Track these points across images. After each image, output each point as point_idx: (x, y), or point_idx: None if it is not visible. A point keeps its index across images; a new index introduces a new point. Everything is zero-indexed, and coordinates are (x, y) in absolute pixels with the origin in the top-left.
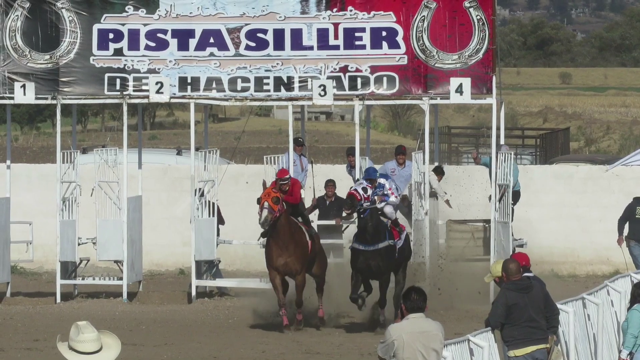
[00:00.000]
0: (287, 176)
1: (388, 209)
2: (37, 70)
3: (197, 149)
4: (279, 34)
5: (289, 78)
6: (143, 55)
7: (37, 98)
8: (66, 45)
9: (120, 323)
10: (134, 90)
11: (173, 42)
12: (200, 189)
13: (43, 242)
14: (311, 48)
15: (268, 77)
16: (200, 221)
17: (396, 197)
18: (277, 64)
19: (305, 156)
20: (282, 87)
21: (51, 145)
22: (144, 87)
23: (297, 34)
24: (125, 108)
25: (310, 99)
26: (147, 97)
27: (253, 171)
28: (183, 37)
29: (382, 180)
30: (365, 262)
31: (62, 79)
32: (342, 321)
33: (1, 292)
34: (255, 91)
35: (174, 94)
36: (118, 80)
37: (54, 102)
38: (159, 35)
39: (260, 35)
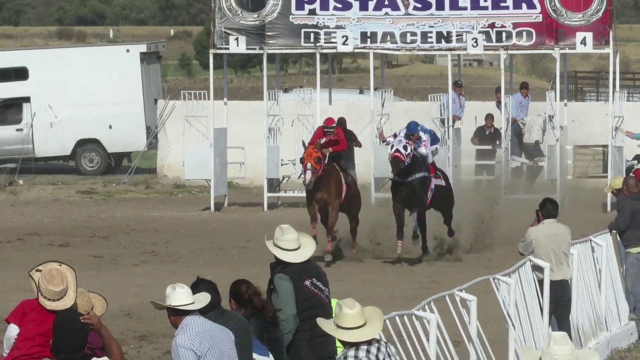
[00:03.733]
0: (333, 124)
1: (421, 151)
2: (247, 26)
3: (375, 89)
4: None
5: (448, 32)
6: (332, 15)
7: (247, 48)
8: (270, 7)
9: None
10: (324, 42)
11: (356, 4)
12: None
13: (253, 163)
14: (465, 8)
15: (431, 32)
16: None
17: (427, 147)
18: (438, 21)
19: (463, 95)
20: (442, 40)
21: (259, 86)
22: (332, 40)
23: None
24: (318, 57)
25: (465, 49)
26: (335, 47)
27: (420, 107)
28: (364, 0)
29: (421, 134)
30: (402, 193)
31: (267, 33)
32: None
33: (220, 203)
34: (421, 43)
35: (357, 45)
36: (312, 35)
37: (261, 52)
38: None
39: None
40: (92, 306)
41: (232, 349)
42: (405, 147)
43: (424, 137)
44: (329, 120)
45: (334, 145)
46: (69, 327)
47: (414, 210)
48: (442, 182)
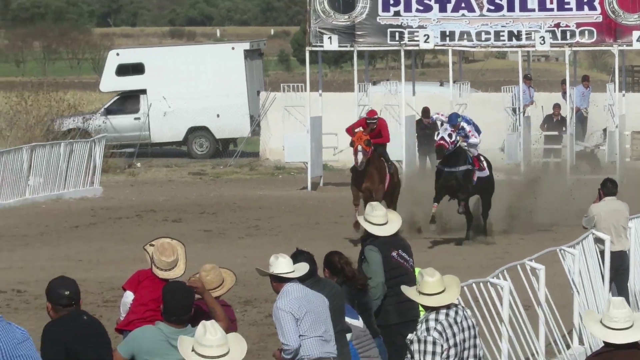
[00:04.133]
0: (376, 116)
1: (472, 149)
2: (338, 26)
3: (454, 82)
4: (510, 1)
5: (518, 31)
6: (414, 16)
7: (339, 46)
8: (359, 9)
9: None
10: (408, 41)
11: (436, 7)
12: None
13: (345, 148)
14: (533, 10)
15: (503, 31)
16: None
17: (475, 137)
18: (510, 21)
19: (532, 87)
20: (513, 38)
21: (350, 80)
22: (415, 38)
23: (524, 1)
24: (402, 53)
25: (534, 46)
26: (418, 45)
27: (494, 98)
28: (443, 2)
29: (463, 124)
30: (445, 181)
31: (357, 32)
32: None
33: (316, 183)
34: (494, 41)
35: (437, 43)
36: (397, 34)
37: (352, 49)
38: (426, 1)
39: (498, 1)
40: (223, 280)
41: (327, 313)
42: (450, 135)
43: (467, 127)
44: (372, 112)
45: (377, 137)
46: (176, 292)
47: (458, 199)
48: (486, 173)
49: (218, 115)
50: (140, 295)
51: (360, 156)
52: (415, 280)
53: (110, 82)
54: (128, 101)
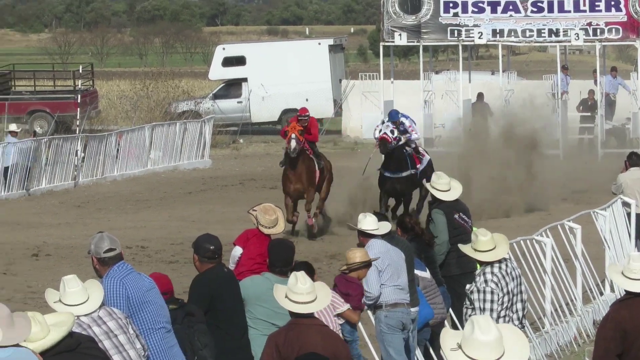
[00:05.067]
0: (307, 114)
1: (413, 137)
2: (407, 25)
3: (503, 71)
4: (550, 4)
5: (557, 29)
6: (470, 16)
7: (407, 42)
8: (424, 11)
9: None
10: (465, 37)
11: (487, 9)
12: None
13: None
14: (569, 11)
15: (544, 29)
16: None
17: (415, 132)
18: (549, 20)
19: (568, 75)
20: (552, 34)
21: (417, 69)
22: (470, 35)
23: (561, 4)
24: (460, 47)
25: (570, 41)
26: (473, 41)
27: (536, 84)
28: (494, 5)
29: (403, 119)
30: (391, 186)
31: (422, 30)
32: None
33: None
34: (536, 37)
35: (489, 39)
36: (456, 31)
37: (418, 44)
38: (479, 4)
39: (539, 4)
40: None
41: (403, 266)
42: (392, 131)
43: (407, 122)
44: (303, 110)
45: (307, 134)
46: (280, 247)
47: (402, 203)
48: (427, 158)
49: (307, 99)
50: (249, 250)
51: (293, 143)
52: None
53: (218, 72)
54: (232, 88)
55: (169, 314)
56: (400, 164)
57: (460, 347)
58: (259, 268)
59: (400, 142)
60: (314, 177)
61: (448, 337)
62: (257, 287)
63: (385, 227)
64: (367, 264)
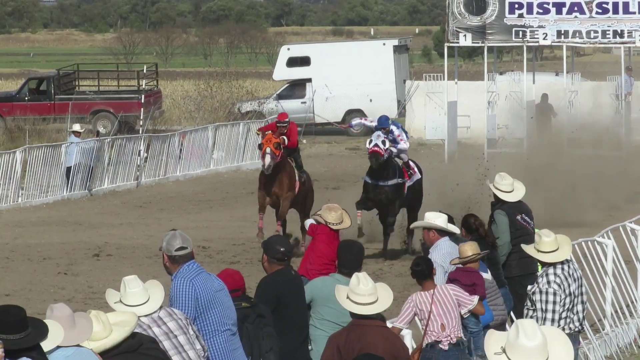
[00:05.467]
0: (287, 119)
1: (402, 155)
2: (472, 26)
3: (567, 72)
4: (615, 5)
5: (621, 30)
6: (535, 17)
7: (472, 42)
8: (489, 12)
9: None
10: (529, 38)
11: (552, 10)
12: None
13: (476, 127)
14: (634, 13)
15: (609, 30)
16: None
17: (404, 141)
18: (614, 22)
19: (632, 77)
20: (617, 36)
21: (481, 70)
22: (535, 36)
23: (626, 5)
24: (524, 48)
25: (634, 42)
26: (537, 42)
27: (600, 86)
28: (559, 6)
29: (393, 127)
30: (374, 195)
31: (487, 31)
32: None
33: (452, 157)
34: (601, 38)
35: (554, 40)
36: (520, 32)
37: (483, 45)
38: (545, 5)
39: (604, 5)
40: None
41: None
42: (383, 142)
43: (397, 131)
44: (282, 115)
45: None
46: (350, 249)
47: (387, 223)
48: (418, 176)
49: (371, 100)
50: (318, 248)
51: (267, 159)
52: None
53: (282, 72)
54: (296, 88)
55: (240, 312)
56: (386, 172)
57: (504, 351)
58: (327, 268)
59: (394, 153)
60: (294, 184)
61: (492, 340)
62: (327, 288)
63: (454, 227)
64: (479, 257)
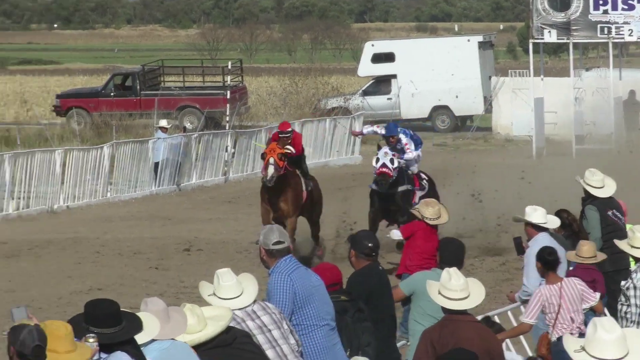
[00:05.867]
0: (289, 129)
1: (412, 167)
2: (556, 22)
3: None
4: None
5: None
6: (620, 13)
7: (557, 39)
8: (574, 8)
9: None
10: (615, 34)
11: (638, 6)
12: None
13: (564, 124)
14: None
15: None
16: None
17: (411, 152)
18: None
19: None
20: None
21: (567, 67)
22: (620, 32)
23: None
24: (610, 45)
25: None
26: (623, 38)
27: None
28: None
29: (401, 136)
30: (382, 205)
31: (572, 27)
32: None
33: (540, 153)
34: None
35: (639, 37)
36: (605, 28)
37: (568, 41)
38: (629, 1)
39: None
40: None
41: (565, 262)
42: (392, 161)
43: (405, 139)
44: (284, 125)
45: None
46: (450, 245)
47: (397, 221)
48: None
49: (457, 96)
50: (417, 245)
51: (271, 170)
52: (626, 235)
53: (367, 68)
54: (382, 84)
55: (339, 305)
56: (395, 179)
57: (584, 349)
58: (427, 263)
59: (402, 164)
60: (300, 197)
61: (572, 340)
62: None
63: (554, 222)
64: (598, 262)
